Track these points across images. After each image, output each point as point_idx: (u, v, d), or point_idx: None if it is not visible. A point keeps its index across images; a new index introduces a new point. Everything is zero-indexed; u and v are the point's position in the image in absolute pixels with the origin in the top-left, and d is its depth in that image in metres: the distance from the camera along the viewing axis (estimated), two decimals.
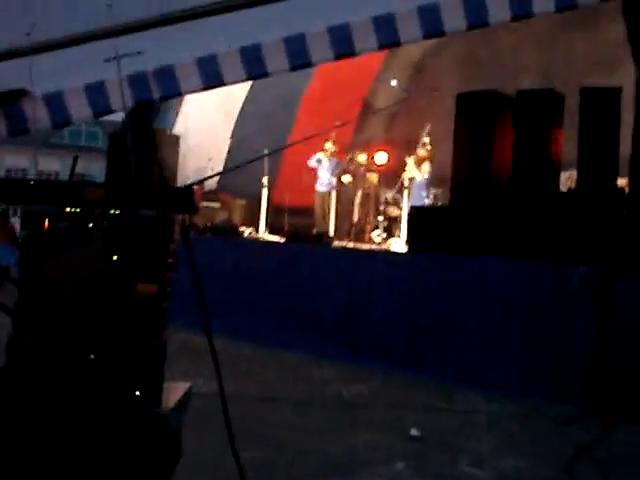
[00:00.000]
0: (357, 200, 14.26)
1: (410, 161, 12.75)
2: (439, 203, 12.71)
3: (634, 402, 6.54)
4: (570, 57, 12.79)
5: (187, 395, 3.11)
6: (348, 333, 8.85)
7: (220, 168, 14.57)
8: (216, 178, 14.75)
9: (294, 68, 4.14)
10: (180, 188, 2.80)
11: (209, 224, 12.48)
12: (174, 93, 4.25)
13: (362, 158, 14.47)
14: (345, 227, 14.33)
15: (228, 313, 9.14)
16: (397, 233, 12.99)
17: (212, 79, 4.15)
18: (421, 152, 12.68)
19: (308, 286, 9.54)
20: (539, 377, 7.21)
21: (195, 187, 2.77)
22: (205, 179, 11.71)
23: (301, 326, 9.26)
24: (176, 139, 13.47)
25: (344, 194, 14.58)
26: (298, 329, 9.24)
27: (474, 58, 13.94)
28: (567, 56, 12.84)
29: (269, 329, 9.44)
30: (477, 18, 3.90)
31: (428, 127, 12.51)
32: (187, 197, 2.79)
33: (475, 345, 7.73)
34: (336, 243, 12.03)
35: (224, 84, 4.18)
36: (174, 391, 3.02)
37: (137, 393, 2.70)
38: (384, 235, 13.04)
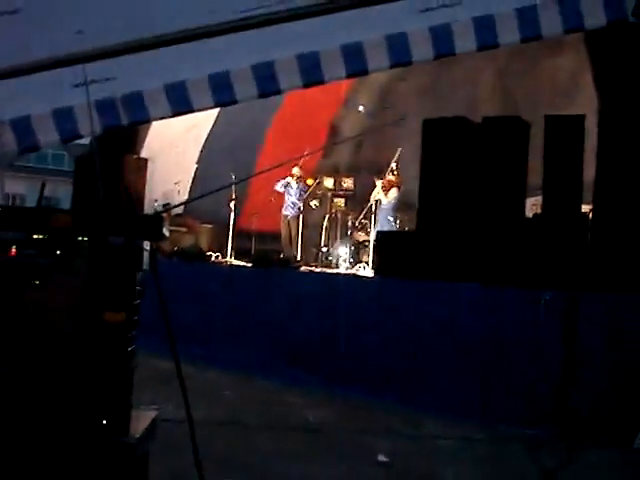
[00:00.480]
0: (324, 225, 14.29)
1: (378, 185, 12.83)
2: (405, 228, 12.76)
3: (601, 426, 6.60)
4: (533, 85, 12.89)
5: (154, 422, 3.09)
6: (316, 358, 8.84)
7: (187, 192, 14.55)
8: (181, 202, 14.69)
9: (263, 95, 4.18)
10: (149, 216, 2.79)
11: (176, 249, 12.37)
12: (142, 119, 4.26)
13: (329, 183, 14.58)
14: (312, 252, 14.37)
15: (196, 339, 9.14)
16: (364, 258, 13.00)
17: (181, 105, 4.18)
18: (390, 177, 12.76)
19: (276, 311, 9.52)
20: (507, 402, 7.23)
21: (164, 214, 2.77)
22: (175, 207, 11.63)
23: (270, 351, 9.24)
24: (144, 162, 13.36)
25: (311, 219, 14.64)
26: (266, 354, 9.22)
27: (440, 85, 14.02)
28: (530, 84, 12.93)
29: (237, 354, 9.38)
30: (444, 48, 3.95)
31: (398, 152, 12.56)
32: (156, 225, 2.79)
33: (442, 370, 7.75)
34: (303, 268, 12.04)
35: (193, 110, 4.23)
36: (142, 419, 3.00)
37: (104, 422, 2.67)
38: (351, 260, 13.05)
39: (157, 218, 2.77)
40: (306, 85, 4.11)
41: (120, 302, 2.72)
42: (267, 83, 4.08)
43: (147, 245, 2.83)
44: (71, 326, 2.64)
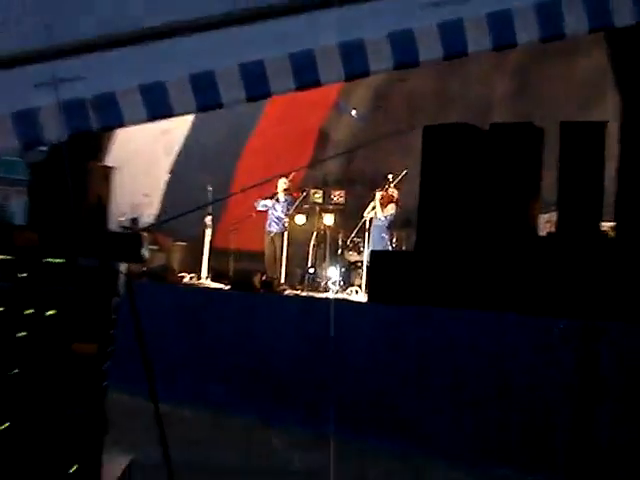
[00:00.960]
0: (311, 243, 14.35)
1: (377, 198, 12.90)
2: (402, 247, 12.90)
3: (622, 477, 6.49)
4: (548, 88, 12.95)
5: (128, 469, 3.05)
6: (301, 394, 8.82)
7: (158, 205, 14.60)
8: (152, 216, 14.59)
9: (252, 98, 4.14)
10: (127, 234, 2.76)
11: (144, 269, 12.27)
12: (115, 123, 4.22)
13: (317, 196, 14.72)
14: (298, 273, 14.42)
15: (169, 372, 9.03)
16: (356, 281, 13.06)
17: (159, 109, 4.12)
18: (390, 191, 12.89)
19: (257, 340, 9.51)
20: (512, 444, 7.19)
21: (143, 233, 2.74)
22: (152, 226, 11.54)
23: (250, 386, 9.24)
24: (111, 171, 13.27)
25: (297, 236, 14.65)
26: (246, 389, 9.22)
27: (444, 87, 14.11)
28: (545, 87, 12.99)
29: (215, 390, 9.39)
30: (455, 47, 3.95)
31: (403, 173, 12.71)
32: (134, 244, 2.75)
33: (441, 408, 7.74)
34: (288, 292, 12.05)
35: (173, 114, 4.18)
36: (114, 465, 2.96)
37: (72, 470, 2.63)
38: (342, 283, 13.10)
39: (135, 237, 2.74)
40: (300, 87, 4.09)
41: (93, 332, 2.68)
42: (256, 85, 4.06)
43: (123, 267, 2.80)
44: (37, 359, 2.60)
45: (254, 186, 10.33)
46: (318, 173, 16.02)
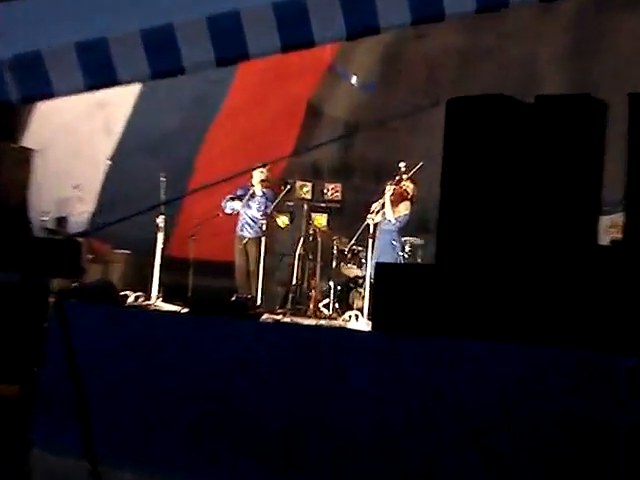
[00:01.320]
0: (297, 252, 14.42)
1: (388, 194, 12.99)
2: (419, 259, 12.96)
3: None
4: (613, 48, 13.00)
5: None
6: (285, 454, 8.78)
7: (93, 201, 14.64)
8: (84, 214, 14.57)
9: (223, 61, 4.17)
10: (58, 241, 2.80)
11: (74, 285, 12.14)
12: (41, 93, 4.25)
13: (305, 190, 14.78)
14: (279, 292, 14.64)
15: (109, 422, 8.89)
16: (357, 303, 13.13)
17: (100, 74, 4.15)
18: (405, 184, 12.99)
19: (224, 381, 9.42)
20: None
21: (81, 239, 2.77)
22: (96, 230, 11.53)
23: (215, 443, 9.18)
24: (29, 155, 13.26)
25: (278, 243, 14.89)
26: (210, 447, 9.16)
27: (473, 47, 14.21)
28: (609, 47, 13.06)
29: (167, 447, 9.35)
30: None
31: (418, 166, 12.75)
32: (69, 254, 2.78)
33: (468, 469, 7.68)
34: (265, 317, 11.97)
35: (118, 82, 4.21)
36: None
37: None
38: (337, 306, 13.24)
39: (70, 245, 2.77)
40: (287, 48, 4.10)
41: (13, 370, 2.71)
42: (229, 44, 4.06)
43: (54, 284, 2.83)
44: None
45: (222, 181, 10.22)
46: (307, 160, 16.01)
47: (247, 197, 14.14)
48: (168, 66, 4.17)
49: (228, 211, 14.18)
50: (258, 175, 14.07)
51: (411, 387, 8.25)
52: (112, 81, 4.21)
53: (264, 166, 13.83)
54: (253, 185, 14.12)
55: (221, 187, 13.39)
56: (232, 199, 14.17)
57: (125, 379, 10.07)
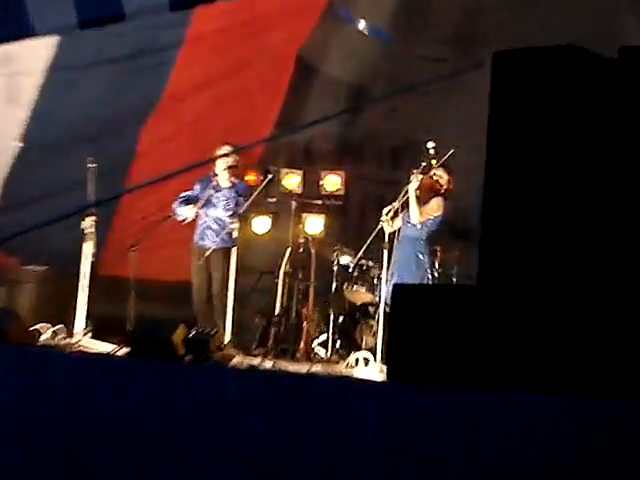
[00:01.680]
0: (282, 268, 13.13)
1: (411, 189, 11.62)
2: (453, 278, 11.85)
3: None
4: None
5: None
6: None
7: None
8: None
9: (177, 5, 4.66)
10: None
11: None
12: None
13: (293, 181, 13.25)
14: (255, 325, 13.16)
15: None
16: (366, 341, 11.85)
17: (13, 23, 4.63)
18: (434, 173, 11.71)
19: (178, 454, 7.99)
20: None
21: None
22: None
23: None
24: None
25: (256, 255, 13.39)
26: None
27: None
28: None
29: None
30: None
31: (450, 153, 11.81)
32: None
33: None
34: (237, 360, 10.91)
35: (34, 33, 4.89)
36: None
37: None
38: (338, 346, 12.05)
39: None
40: None
41: None
42: None
43: None
44: None
45: (175, 173, 8.62)
46: (296, 139, 14.49)
47: (208, 191, 12.69)
48: (103, 10, 4.82)
49: (179, 218, 13.06)
50: (224, 161, 12.56)
51: (428, 452, 6.74)
52: (25, 32, 4.75)
53: (235, 149, 12.40)
54: (216, 174, 12.65)
55: (171, 183, 11.96)
56: (185, 201, 12.94)
57: (38, 445, 8.43)
